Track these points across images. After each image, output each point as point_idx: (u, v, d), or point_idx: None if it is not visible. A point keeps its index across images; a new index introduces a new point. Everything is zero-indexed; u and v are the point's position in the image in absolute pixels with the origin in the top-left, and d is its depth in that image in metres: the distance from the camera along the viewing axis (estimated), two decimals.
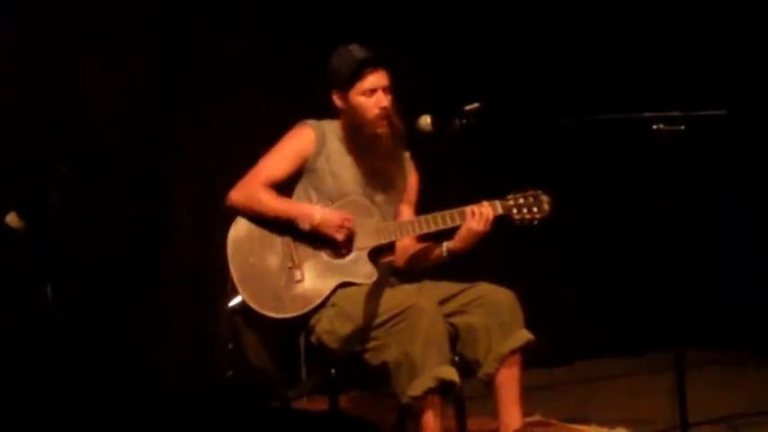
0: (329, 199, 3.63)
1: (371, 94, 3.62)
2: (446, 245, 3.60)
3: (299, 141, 3.67)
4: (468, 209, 3.53)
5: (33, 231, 3.52)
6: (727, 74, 5.84)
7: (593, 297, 5.91)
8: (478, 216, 3.52)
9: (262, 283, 3.52)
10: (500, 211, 3.56)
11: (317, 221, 3.54)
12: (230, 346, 3.61)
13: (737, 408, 4.42)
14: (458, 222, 3.55)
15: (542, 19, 5.89)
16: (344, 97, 3.64)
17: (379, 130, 3.64)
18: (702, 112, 3.47)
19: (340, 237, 3.55)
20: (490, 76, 5.55)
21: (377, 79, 3.62)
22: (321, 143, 3.66)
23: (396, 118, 3.66)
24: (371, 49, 3.63)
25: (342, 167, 3.67)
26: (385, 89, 3.63)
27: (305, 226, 3.55)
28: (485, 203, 3.54)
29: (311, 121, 3.69)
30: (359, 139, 3.66)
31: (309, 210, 3.57)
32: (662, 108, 3.46)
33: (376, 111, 3.62)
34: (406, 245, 3.73)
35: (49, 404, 3.56)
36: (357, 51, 3.63)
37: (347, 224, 3.55)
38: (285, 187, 3.67)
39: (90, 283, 4.54)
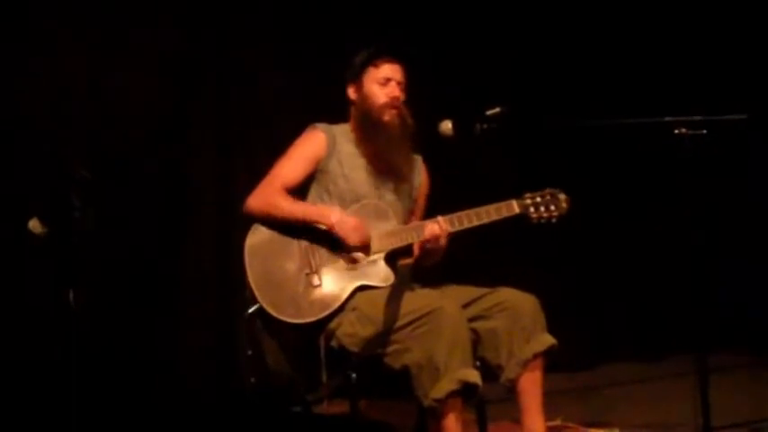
0: (342, 201, 3.66)
1: (385, 84, 3.69)
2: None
3: (311, 144, 3.70)
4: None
5: (55, 237, 3.53)
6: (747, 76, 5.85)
7: (615, 301, 5.89)
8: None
9: (279, 289, 3.53)
10: (517, 210, 3.57)
11: (333, 221, 3.55)
12: (249, 353, 3.62)
13: (761, 412, 4.39)
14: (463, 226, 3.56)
15: (563, 24, 5.88)
16: (359, 87, 3.72)
17: (387, 118, 3.68)
18: (724, 116, 3.47)
19: (352, 240, 3.55)
20: (511, 79, 5.56)
21: (392, 71, 3.70)
22: (332, 145, 3.69)
23: (408, 116, 3.71)
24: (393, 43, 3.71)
25: (354, 169, 3.69)
26: (399, 83, 3.69)
27: (322, 226, 3.56)
28: (438, 218, 3.56)
29: (321, 125, 3.73)
30: (367, 127, 3.71)
31: (327, 211, 3.59)
32: (681, 112, 3.46)
33: (386, 99, 3.67)
34: None
35: (70, 409, 3.56)
36: (377, 45, 3.71)
37: (361, 230, 3.56)
38: (299, 191, 3.69)
39: (111, 287, 4.56)
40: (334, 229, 3.55)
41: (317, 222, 3.57)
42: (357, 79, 3.73)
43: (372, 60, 3.70)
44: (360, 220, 3.59)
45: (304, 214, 3.60)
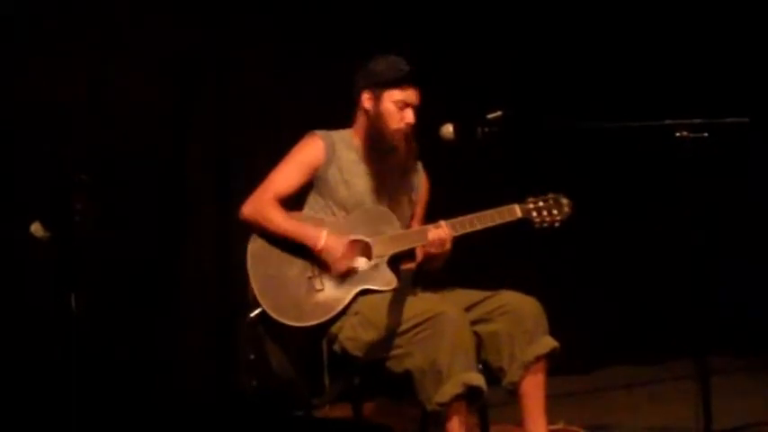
0: (343, 208, 3.64)
1: (403, 107, 3.63)
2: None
3: (308, 152, 3.67)
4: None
5: (57, 241, 3.53)
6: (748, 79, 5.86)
7: (616, 304, 5.88)
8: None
9: (282, 293, 3.52)
10: (519, 214, 3.57)
11: (319, 248, 3.53)
12: (251, 357, 3.61)
13: (762, 415, 4.39)
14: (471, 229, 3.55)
15: (564, 26, 5.88)
16: (376, 99, 3.64)
17: (396, 143, 3.65)
18: (725, 120, 3.47)
19: (335, 270, 3.54)
20: (512, 81, 5.56)
21: (414, 97, 3.64)
22: (331, 152, 3.66)
23: (413, 139, 3.69)
24: (414, 67, 3.66)
25: (355, 176, 3.67)
26: (415, 108, 3.64)
27: (310, 247, 3.55)
28: (440, 222, 3.54)
29: (320, 132, 3.70)
30: (376, 145, 3.67)
31: (315, 233, 3.55)
32: (682, 115, 3.46)
33: (401, 124, 3.63)
34: None
35: (70, 410, 3.56)
36: (403, 64, 3.64)
37: (346, 260, 3.53)
38: (295, 199, 3.68)
39: (111, 287, 4.55)
40: (320, 255, 3.54)
41: (305, 243, 3.55)
42: (377, 91, 3.64)
43: (403, 83, 3.62)
44: (348, 247, 3.55)
45: (293, 232, 3.57)
